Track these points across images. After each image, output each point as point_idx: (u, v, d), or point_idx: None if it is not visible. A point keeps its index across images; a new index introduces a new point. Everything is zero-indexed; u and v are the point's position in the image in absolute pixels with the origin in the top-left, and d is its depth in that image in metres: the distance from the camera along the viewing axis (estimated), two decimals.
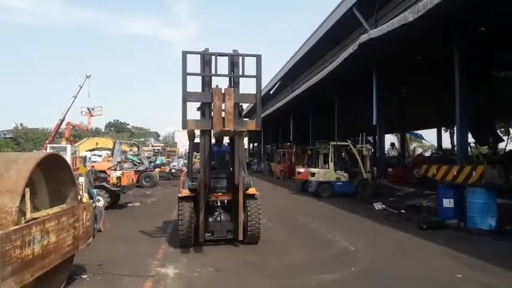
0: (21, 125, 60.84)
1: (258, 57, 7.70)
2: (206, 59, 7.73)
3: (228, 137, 8.88)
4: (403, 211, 12.45)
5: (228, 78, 8.09)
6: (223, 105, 7.53)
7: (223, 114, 7.54)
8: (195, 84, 7.75)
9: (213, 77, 7.88)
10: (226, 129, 7.34)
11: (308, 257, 7.48)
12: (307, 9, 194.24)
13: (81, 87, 29.33)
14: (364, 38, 13.10)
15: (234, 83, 7.93)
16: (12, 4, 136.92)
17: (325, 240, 8.82)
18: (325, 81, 18.67)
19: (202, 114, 7.87)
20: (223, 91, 7.55)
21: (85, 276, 5.99)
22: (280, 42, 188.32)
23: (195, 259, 7.15)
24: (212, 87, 7.69)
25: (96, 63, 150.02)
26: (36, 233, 4.21)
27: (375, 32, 12.46)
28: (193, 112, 7.92)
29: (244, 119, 7.89)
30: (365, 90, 17.93)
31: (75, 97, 29.17)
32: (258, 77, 7.77)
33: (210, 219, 8.09)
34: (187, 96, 7.49)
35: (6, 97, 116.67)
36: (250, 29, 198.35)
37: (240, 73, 7.83)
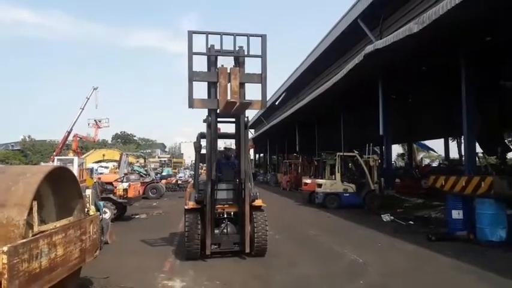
0: (29, 137, 61.54)
1: (263, 37, 7.75)
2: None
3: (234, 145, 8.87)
4: (411, 222, 12.32)
5: (233, 60, 8.11)
6: (228, 84, 7.57)
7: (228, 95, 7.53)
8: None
9: (218, 60, 7.93)
10: (232, 100, 7.26)
11: (316, 269, 7.40)
12: (313, 22, 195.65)
13: (88, 99, 29.68)
14: (369, 48, 13.11)
15: (240, 64, 7.95)
16: (22, 17, 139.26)
17: (333, 253, 8.74)
18: (330, 92, 18.65)
19: (209, 95, 7.90)
20: (228, 70, 7.61)
21: None
22: (286, 53, 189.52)
23: (202, 272, 7.10)
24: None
25: (103, 75, 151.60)
26: (44, 246, 4.20)
27: (380, 43, 12.46)
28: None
29: (249, 99, 7.89)
30: (371, 101, 17.88)
31: (83, 109, 29.51)
32: (263, 56, 7.81)
33: (217, 231, 8.05)
34: (193, 76, 7.55)
35: (14, 109, 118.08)
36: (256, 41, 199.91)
37: (245, 53, 7.87)
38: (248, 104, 7.56)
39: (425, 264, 7.68)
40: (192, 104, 7.53)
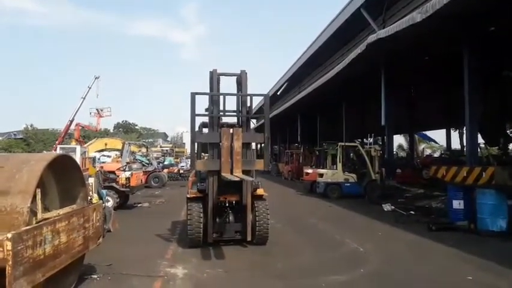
0: (31, 125, 61.28)
1: (266, 97, 7.63)
2: (215, 98, 7.75)
3: None
4: (412, 212, 12.36)
5: (236, 119, 8.14)
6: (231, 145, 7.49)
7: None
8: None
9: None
10: (234, 179, 7.11)
11: (317, 258, 7.46)
12: (315, 9, 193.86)
13: (90, 88, 29.64)
14: (372, 38, 13.03)
15: (242, 123, 7.95)
16: (24, 6, 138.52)
17: (334, 242, 8.80)
18: (332, 82, 18.59)
19: (211, 155, 7.82)
20: (231, 131, 7.48)
21: (95, 276, 6.05)
22: (289, 42, 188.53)
23: (204, 259, 7.17)
24: (221, 124, 7.70)
25: (105, 65, 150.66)
26: (47, 234, 4.25)
27: (382, 33, 12.38)
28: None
29: (252, 160, 7.94)
30: (373, 91, 17.83)
31: (84, 98, 29.47)
32: (266, 116, 7.75)
33: (219, 219, 8.10)
34: (196, 137, 7.51)
35: (17, 98, 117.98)
36: (258, 29, 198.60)
37: (248, 113, 7.88)
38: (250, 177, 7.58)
39: (426, 253, 7.74)
40: (194, 166, 7.60)
